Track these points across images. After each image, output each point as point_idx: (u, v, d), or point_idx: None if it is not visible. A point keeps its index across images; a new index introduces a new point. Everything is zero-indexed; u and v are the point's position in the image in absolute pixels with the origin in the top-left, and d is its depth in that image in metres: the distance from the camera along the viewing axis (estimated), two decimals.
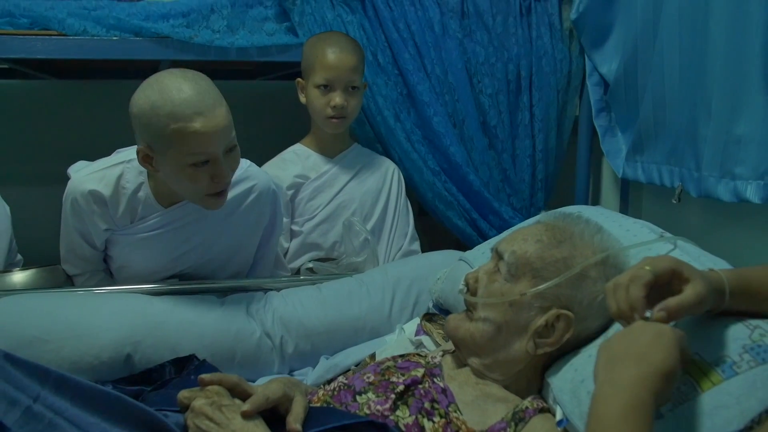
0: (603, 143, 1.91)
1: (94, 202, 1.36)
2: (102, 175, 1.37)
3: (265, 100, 2.13)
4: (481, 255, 1.30)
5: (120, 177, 1.36)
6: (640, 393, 0.67)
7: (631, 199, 1.95)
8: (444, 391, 0.93)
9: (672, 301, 0.74)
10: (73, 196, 1.37)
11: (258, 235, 1.53)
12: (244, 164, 1.43)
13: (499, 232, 1.83)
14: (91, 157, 1.55)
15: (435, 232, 1.99)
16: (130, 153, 1.39)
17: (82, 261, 1.50)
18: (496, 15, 1.84)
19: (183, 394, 0.88)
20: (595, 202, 2.07)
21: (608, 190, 2.05)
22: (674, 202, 1.57)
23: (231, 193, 1.39)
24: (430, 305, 1.39)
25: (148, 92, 1.21)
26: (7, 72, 1.96)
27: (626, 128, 1.86)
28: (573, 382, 0.89)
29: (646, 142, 1.71)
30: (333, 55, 1.61)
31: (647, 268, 0.75)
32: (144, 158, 1.27)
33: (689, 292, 0.74)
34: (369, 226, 1.73)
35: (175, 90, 1.19)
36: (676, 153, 1.56)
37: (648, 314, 0.74)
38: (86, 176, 1.38)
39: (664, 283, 0.76)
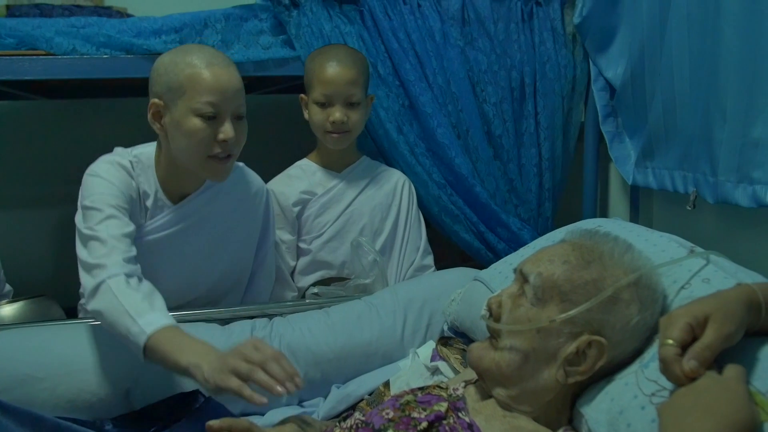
0: (611, 149, 1.86)
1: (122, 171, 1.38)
2: (119, 160, 1.41)
3: (263, 115, 2.08)
4: (498, 275, 1.24)
5: (133, 165, 1.42)
6: None
7: (642, 206, 1.90)
8: (470, 426, 0.87)
9: (697, 347, 0.73)
10: (104, 165, 1.37)
11: (255, 238, 1.56)
12: (239, 164, 1.53)
13: (508, 245, 1.79)
14: None
15: (438, 244, 1.93)
16: (132, 149, 1.44)
17: (111, 236, 1.24)
18: (498, 21, 1.79)
19: None
20: (604, 210, 2.02)
21: (617, 197, 2.00)
22: (689, 208, 1.52)
23: (234, 190, 1.47)
24: (445, 328, 1.32)
25: (174, 51, 1.35)
26: None
27: (634, 133, 1.81)
28: (610, 412, 0.83)
29: (656, 147, 1.66)
30: (330, 70, 1.56)
31: (669, 342, 0.75)
32: (154, 114, 1.33)
33: (709, 333, 0.74)
34: (379, 241, 1.67)
35: (197, 48, 1.34)
36: (690, 158, 1.52)
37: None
38: (107, 156, 1.40)
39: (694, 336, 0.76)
